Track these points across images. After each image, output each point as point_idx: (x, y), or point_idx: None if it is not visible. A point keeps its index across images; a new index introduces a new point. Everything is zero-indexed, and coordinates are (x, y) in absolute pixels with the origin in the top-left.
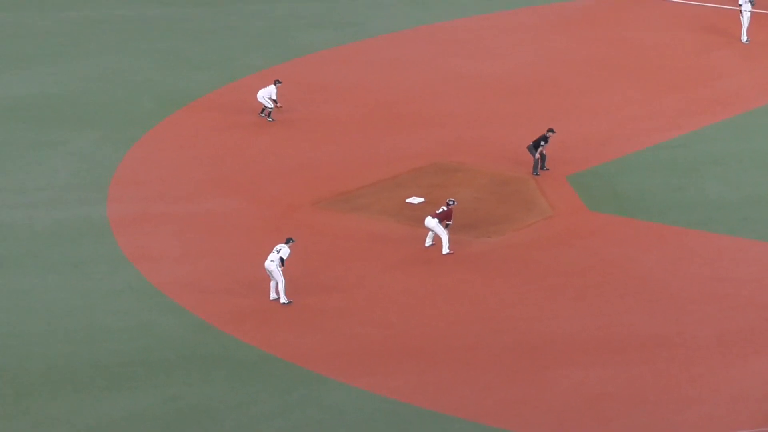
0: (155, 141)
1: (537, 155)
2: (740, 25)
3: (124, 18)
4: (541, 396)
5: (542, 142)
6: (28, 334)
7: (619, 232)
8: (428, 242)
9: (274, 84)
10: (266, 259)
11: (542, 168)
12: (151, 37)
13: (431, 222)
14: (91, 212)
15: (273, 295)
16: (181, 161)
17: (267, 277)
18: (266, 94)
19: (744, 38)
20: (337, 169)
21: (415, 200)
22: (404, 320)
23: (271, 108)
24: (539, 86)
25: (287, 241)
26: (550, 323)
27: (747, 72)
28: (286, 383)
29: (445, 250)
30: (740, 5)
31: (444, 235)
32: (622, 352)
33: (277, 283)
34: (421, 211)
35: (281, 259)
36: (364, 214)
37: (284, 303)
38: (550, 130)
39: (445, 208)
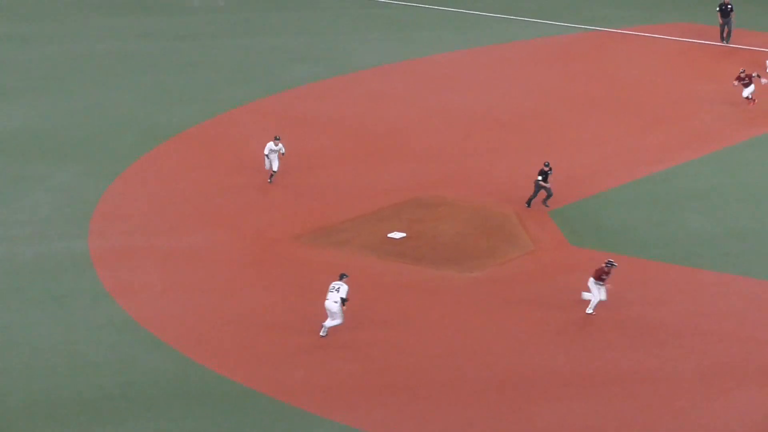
0: (137, 175)
1: (546, 185)
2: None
3: (106, 52)
4: (524, 431)
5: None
6: (9, 369)
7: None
8: (589, 310)
9: (275, 141)
10: (325, 298)
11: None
12: (133, 71)
13: (590, 282)
14: (73, 246)
15: (323, 331)
16: (163, 195)
17: (246, 311)
18: (274, 155)
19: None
20: (319, 203)
21: (397, 235)
22: (386, 355)
23: (274, 171)
24: (522, 121)
25: (341, 277)
26: (532, 358)
27: (728, 106)
28: (269, 418)
29: (590, 309)
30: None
31: (596, 296)
32: (605, 387)
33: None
34: (402, 245)
35: (342, 299)
36: (346, 249)
37: (322, 335)
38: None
39: (604, 267)
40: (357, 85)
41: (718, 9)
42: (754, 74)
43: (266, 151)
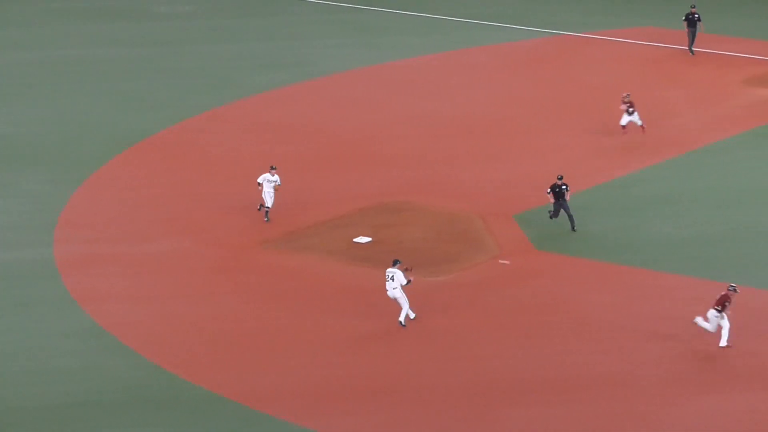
0: (103, 182)
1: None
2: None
3: (72, 59)
4: None
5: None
6: None
7: (567, 272)
8: (723, 343)
9: (271, 171)
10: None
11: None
12: (99, 78)
13: (711, 313)
14: (38, 254)
15: (401, 319)
16: (129, 202)
17: (213, 317)
18: (269, 186)
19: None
20: (285, 208)
21: (363, 240)
22: (354, 360)
23: (268, 208)
24: (488, 126)
25: (394, 264)
26: (498, 363)
27: (693, 111)
28: (236, 424)
29: (723, 342)
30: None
31: (725, 327)
32: (571, 391)
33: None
34: (368, 250)
35: (402, 284)
36: (312, 254)
37: (402, 323)
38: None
39: (727, 292)
40: (323, 90)
41: (684, 19)
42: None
43: (260, 180)
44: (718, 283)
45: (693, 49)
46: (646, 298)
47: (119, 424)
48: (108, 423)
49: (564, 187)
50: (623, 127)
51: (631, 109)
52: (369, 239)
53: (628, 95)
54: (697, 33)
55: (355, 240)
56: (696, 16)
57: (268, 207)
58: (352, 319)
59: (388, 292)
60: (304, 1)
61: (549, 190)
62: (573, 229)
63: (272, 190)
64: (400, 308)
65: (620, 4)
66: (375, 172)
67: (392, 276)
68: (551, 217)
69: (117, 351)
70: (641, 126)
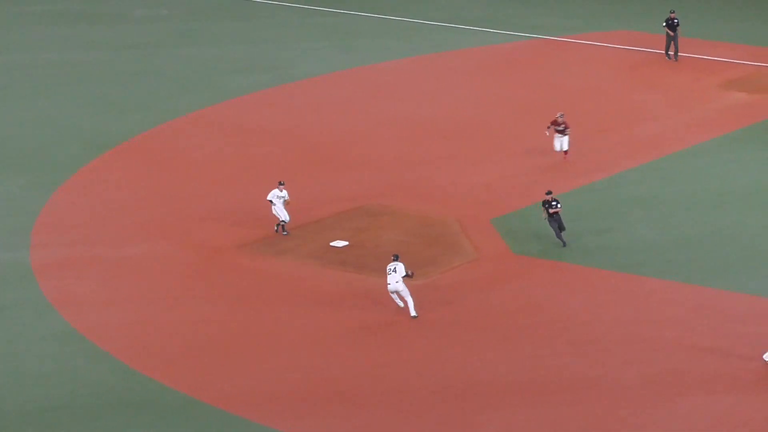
0: (80, 185)
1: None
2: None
3: (52, 62)
4: None
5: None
6: None
7: (544, 275)
8: None
9: (280, 187)
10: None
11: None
12: (76, 81)
13: None
14: (14, 258)
15: (413, 313)
16: (107, 205)
17: (190, 321)
18: (279, 202)
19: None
20: (263, 212)
21: (339, 243)
22: (330, 364)
23: (284, 222)
24: (466, 129)
25: (395, 258)
26: (476, 366)
27: (671, 114)
28: (212, 428)
29: None
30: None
31: None
32: (549, 395)
33: (405, 302)
34: (345, 254)
35: (404, 276)
36: (289, 258)
37: (414, 316)
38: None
39: None
40: (301, 94)
41: (665, 24)
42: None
43: (270, 197)
44: (697, 286)
45: (677, 54)
46: (624, 302)
47: (96, 428)
48: (84, 427)
49: (554, 203)
50: (558, 151)
51: (564, 129)
52: (346, 243)
53: (562, 115)
54: (676, 36)
55: (331, 244)
56: (676, 21)
57: (284, 221)
58: (329, 322)
59: (390, 286)
60: (282, 5)
61: (542, 207)
62: (564, 244)
63: (284, 207)
64: (397, 305)
65: (598, 8)
66: (352, 175)
67: (394, 268)
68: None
69: (93, 355)
70: (565, 151)
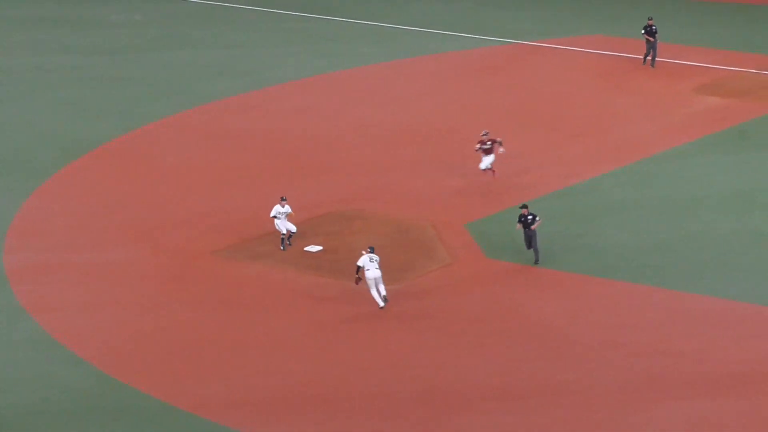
0: (55, 190)
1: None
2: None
3: (25, 67)
4: None
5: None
6: None
7: (519, 280)
8: None
9: (282, 203)
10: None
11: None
12: (52, 86)
13: None
14: None
15: (381, 304)
16: (82, 210)
17: (165, 327)
18: (282, 218)
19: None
20: (238, 217)
21: (314, 248)
22: (305, 368)
23: (291, 232)
24: (442, 134)
25: (372, 250)
26: (451, 371)
27: (646, 119)
28: None
29: None
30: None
31: None
32: (524, 399)
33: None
34: (319, 259)
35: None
36: (264, 263)
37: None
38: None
39: None
40: (277, 99)
41: (643, 31)
42: (497, 140)
43: (274, 214)
44: (671, 290)
45: (654, 61)
46: (599, 306)
47: None
48: None
49: (530, 217)
50: (487, 170)
51: (487, 147)
52: (320, 248)
53: (487, 133)
54: (655, 43)
55: (306, 249)
56: (654, 27)
57: (291, 232)
58: (303, 327)
59: (374, 272)
60: (256, 10)
61: (518, 221)
62: (536, 262)
63: (287, 220)
64: (373, 299)
65: (573, 13)
66: (327, 180)
67: (375, 260)
68: (527, 248)
69: (68, 360)
70: (491, 169)
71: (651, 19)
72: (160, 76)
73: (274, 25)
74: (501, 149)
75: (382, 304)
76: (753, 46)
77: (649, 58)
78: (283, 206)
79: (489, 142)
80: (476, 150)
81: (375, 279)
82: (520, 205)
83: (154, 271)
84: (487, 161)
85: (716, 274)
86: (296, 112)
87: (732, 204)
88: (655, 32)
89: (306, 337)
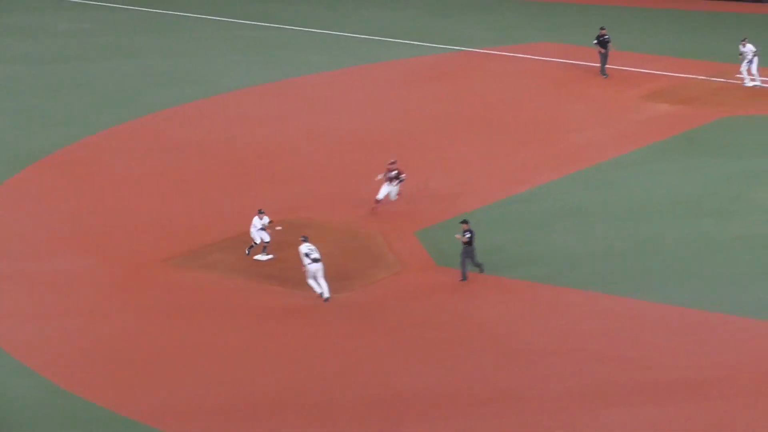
0: (4, 199)
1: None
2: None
3: None
4: None
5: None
6: None
7: (469, 287)
8: None
9: (260, 215)
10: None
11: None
12: (1, 95)
13: None
14: None
15: (327, 295)
16: (31, 219)
17: (115, 336)
18: (257, 229)
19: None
20: (188, 225)
21: (264, 257)
22: (255, 377)
23: (255, 245)
24: (390, 141)
25: (305, 240)
26: (401, 378)
27: (595, 126)
28: None
29: None
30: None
31: None
32: (475, 406)
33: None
34: (270, 267)
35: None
36: (214, 271)
37: (328, 298)
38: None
39: None
40: (226, 107)
41: (596, 41)
42: (402, 175)
43: (254, 229)
44: (619, 297)
45: (606, 69)
46: (548, 313)
47: None
48: None
49: (467, 233)
50: (378, 201)
51: (394, 175)
52: (271, 256)
53: (394, 162)
54: (607, 53)
55: (256, 257)
56: (607, 37)
57: (266, 242)
58: (254, 335)
59: (316, 266)
60: (205, 19)
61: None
62: (482, 271)
63: (263, 230)
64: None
65: (522, 21)
66: (278, 188)
67: (314, 250)
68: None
69: (16, 371)
70: (383, 199)
71: (603, 28)
72: (109, 85)
73: (224, 33)
74: (379, 175)
75: (327, 294)
76: (702, 53)
77: (603, 66)
78: (261, 218)
79: (395, 172)
80: (378, 179)
81: (315, 270)
82: (462, 221)
83: (103, 280)
84: (385, 192)
85: (665, 281)
86: (246, 120)
87: (680, 210)
88: (608, 42)
89: (256, 345)
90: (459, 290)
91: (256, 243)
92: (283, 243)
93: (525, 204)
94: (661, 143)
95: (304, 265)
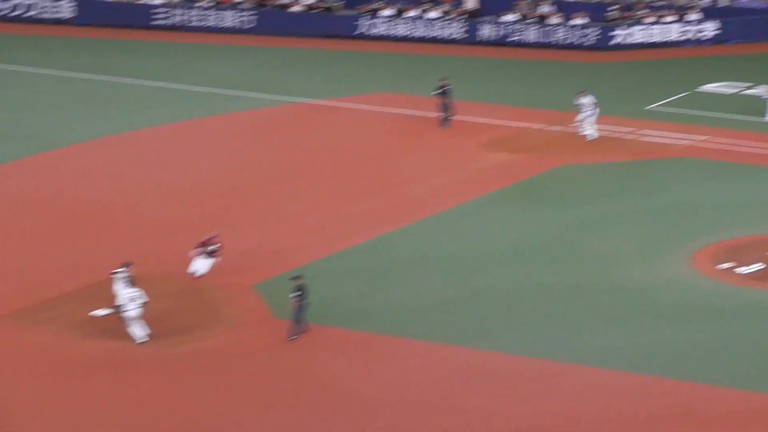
0: None
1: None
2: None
3: None
4: None
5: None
6: None
7: (308, 340)
8: None
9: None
10: None
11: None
12: None
13: None
14: None
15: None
16: None
17: None
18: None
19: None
20: (22, 282)
21: (100, 312)
22: None
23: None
24: (229, 194)
25: (126, 266)
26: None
27: (433, 175)
28: None
29: None
30: None
31: None
32: None
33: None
34: (108, 322)
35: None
36: (48, 328)
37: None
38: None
39: None
40: (61, 162)
41: (437, 91)
42: (218, 246)
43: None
44: (458, 347)
45: (449, 118)
46: (388, 364)
47: None
48: None
49: (296, 293)
50: (194, 275)
51: (210, 249)
52: (108, 311)
53: (212, 236)
54: (449, 103)
55: (91, 313)
56: (448, 87)
57: (199, 273)
58: (85, 393)
59: (133, 312)
60: (40, 73)
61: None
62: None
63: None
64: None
65: (360, 71)
66: (114, 242)
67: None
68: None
69: None
70: (201, 275)
71: (445, 78)
72: None
73: (59, 87)
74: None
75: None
76: (539, 102)
77: (447, 116)
78: (122, 274)
79: (214, 245)
80: (191, 253)
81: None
82: (293, 277)
83: None
84: (199, 265)
85: (502, 330)
86: (84, 174)
87: (517, 259)
88: (449, 92)
89: (86, 402)
90: (298, 343)
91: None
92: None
93: (365, 255)
94: (499, 192)
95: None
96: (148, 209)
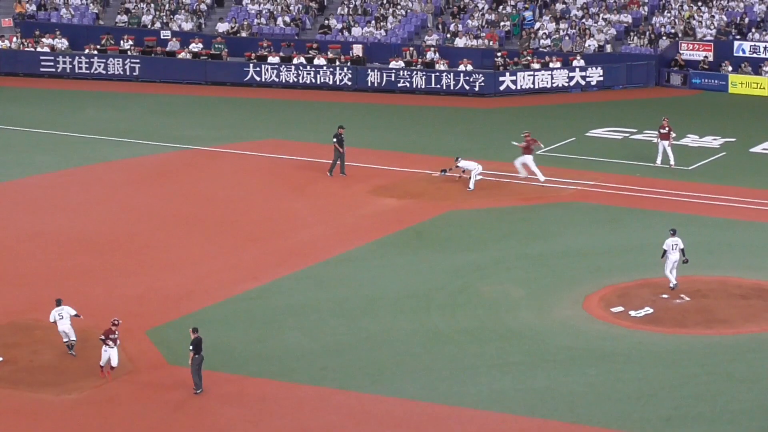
0: None
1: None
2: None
3: None
4: None
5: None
6: None
7: (203, 385)
8: None
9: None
10: None
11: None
12: None
13: None
14: None
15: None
16: None
17: None
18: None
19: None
20: None
21: None
22: None
23: (74, 341)
24: (116, 242)
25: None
26: None
27: (322, 222)
28: None
29: None
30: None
31: None
32: None
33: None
34: (2, 371)
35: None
36: None
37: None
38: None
39: None
40: None
41: (335, 140)
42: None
43: (52, 318)
44: (351, 392)
45: (344, 166)
46: (280, 411)
47: None
48: None
49: (191, 346)
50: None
51: (116, 339)
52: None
53: (119, 322)
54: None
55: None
56: (343, 136)
57: (72, 341)
58: None
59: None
60: None
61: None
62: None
63: (69, 322)
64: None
65: (249, 118)
66: (2, 291)
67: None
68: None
69: None
70: (70, 342)
71: (342, 127)
72: None
73: None
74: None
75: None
76: (426, 148)
77: (338, 165)
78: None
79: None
80: (103, 338)
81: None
82: (192, 329)
83: None
84: (111, 354)
85: (395, 375)
86: None
87: (408, 304)
88: (343, 140)
89: None
90: (191, 389)
91: (67, 339)
92: (12, 345)
93: (255, 301)
94: (388, 237)
95: None
96: (37, 257)
